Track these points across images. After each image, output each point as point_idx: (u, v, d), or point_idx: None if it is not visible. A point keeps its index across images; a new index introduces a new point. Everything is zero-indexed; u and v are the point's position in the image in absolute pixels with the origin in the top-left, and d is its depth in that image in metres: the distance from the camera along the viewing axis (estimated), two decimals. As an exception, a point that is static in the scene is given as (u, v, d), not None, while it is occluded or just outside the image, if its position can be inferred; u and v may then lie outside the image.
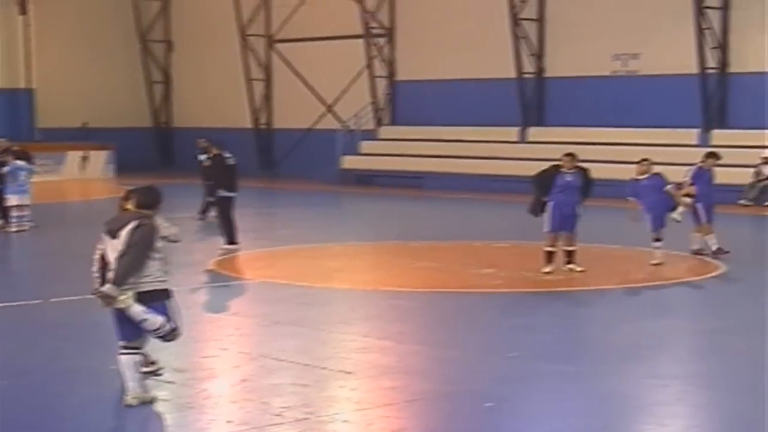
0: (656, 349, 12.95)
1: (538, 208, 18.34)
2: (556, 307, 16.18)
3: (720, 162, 21.20)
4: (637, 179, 19.43)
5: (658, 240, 19.19)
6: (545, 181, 18.34)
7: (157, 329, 10.15)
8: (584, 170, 18.51)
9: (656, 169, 19.66)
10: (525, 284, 17.63)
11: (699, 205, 20.28)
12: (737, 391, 10.98)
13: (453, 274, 18.74)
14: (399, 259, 20.60)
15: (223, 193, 21.24)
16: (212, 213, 24.40)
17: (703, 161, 20.87)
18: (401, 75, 42.69)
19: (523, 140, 38.40)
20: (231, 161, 21.54)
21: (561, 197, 18.11)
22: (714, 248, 20.23)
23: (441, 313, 15.44)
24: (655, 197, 19.15)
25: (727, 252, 20.15)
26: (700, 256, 20.15)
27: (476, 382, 11.34)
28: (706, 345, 13.63)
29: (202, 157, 25.10)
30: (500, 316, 15.21)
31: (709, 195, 20.53)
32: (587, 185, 18.39)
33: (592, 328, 14.79)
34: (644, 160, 19.68)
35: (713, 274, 18.67)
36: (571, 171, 18.24)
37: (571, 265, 18.31)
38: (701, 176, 20.51)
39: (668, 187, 19.34)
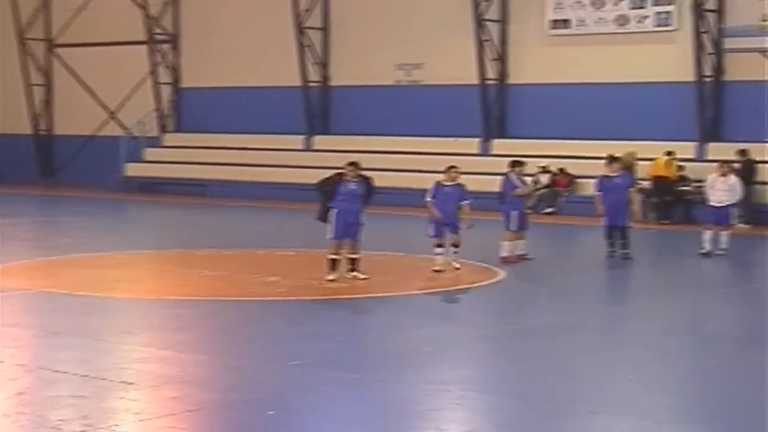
0: (436, 355, 13.17)
1: (326, 215, 18.45)
2: (339, 314, 16.30)
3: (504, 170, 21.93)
4: (441, 183, 19.74)
5: (440, 246, 19.55)
6: (329, 189, 18.48)
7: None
8: (367, 179, 18.73)
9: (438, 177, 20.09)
10: (309, 292, 17.70)
11: (514, 213, 21.05)
12: (512, 395, 11.26)
13: (236, 283, 18.67)
14: (182, 267, 20.40)
15: None
16: None
17: (511, 170, 21.46)
18: (186, 82, 42.33)
19: (308, 148, 38.59)
20: None
21: (344, 205, 18.25)
22: (505, 254, 20.96)
23: (224, 322, 15.36)
24: (452, 206, 19.49)
25: (530, 259, 21.23)
26: (522, 261, 20.89)
27: (258, 390, 11.32)
28: (484, 350, 13.93)
29: None
30: (284, 325, 15.22)
31: (521, 202, 21.41)
32: (370, 193, 18.60)
33: (374, 335, 14.94)
34: (452, 167, 19.99)
35: (493, 280, 19.12)
36: (355, 179, 18.42)
37: (354, 273, 18.48)
38: (510, 185, 21.22)
39: (465, 203, 19.62)
